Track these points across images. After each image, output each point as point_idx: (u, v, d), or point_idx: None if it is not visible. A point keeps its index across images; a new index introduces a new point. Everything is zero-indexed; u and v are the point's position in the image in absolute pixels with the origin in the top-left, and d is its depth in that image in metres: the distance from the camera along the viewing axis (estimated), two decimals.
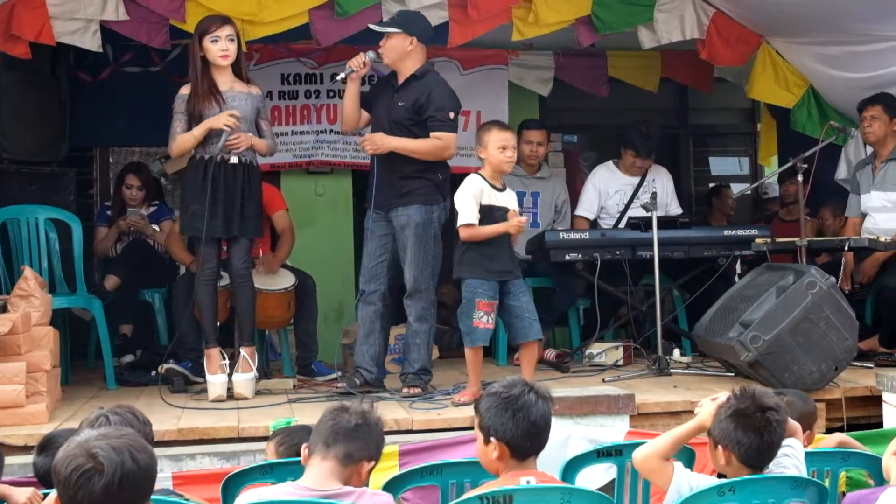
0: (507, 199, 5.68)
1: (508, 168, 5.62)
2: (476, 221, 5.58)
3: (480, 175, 5.65)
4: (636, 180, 7.53)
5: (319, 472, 3.13)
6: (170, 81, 7.09)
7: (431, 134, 5.83)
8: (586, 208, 7.60)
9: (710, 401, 3.51)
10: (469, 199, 5.58)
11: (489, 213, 5.59)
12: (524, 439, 3.26)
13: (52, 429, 4.82)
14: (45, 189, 7.27)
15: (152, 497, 2.67)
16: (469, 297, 5.58)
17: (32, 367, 5.20)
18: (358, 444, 3.17)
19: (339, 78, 5.94)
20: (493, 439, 3.27)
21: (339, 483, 3.13)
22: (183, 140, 5.85)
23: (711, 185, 9.74)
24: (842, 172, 7.67)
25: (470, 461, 3.81)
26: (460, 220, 5.60)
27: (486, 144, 5.62)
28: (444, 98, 5.91)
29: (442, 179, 5.95)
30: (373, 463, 3.25)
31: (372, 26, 5.98)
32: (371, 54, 5.90)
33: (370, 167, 6.06)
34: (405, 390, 5.81)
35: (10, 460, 4.59)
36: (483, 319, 5.54)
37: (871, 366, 6.14)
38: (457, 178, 5.90)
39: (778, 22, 7.30)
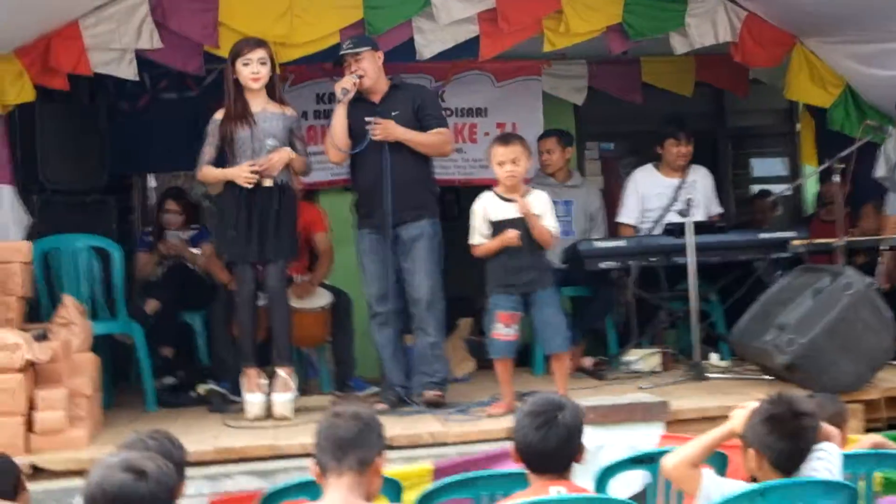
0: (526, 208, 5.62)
1: (509, 182, 5.59)
2: (480, 241, 5.66)
3: (493, 191, 5.68)
4: (676, 182, 7.48)
5: (339, 490, 3.10)
6: (207, 106, 7.18)
7: (434, 130, 5.99)
8: (628, 215, 7.56)
9: (742, 408, 3.52)
10: (475, 219, 5.68)
11: (499, 228, 5.60)
12: (529, 456, 3.35)
13: (92, 453, 4.91)
14: (87, 217, 7.36)
15: None
16: (491, 310, 5.64)
17: (73, 393, 5.27)
18: (366, 448, 3.14)
19: (342, 99, 5.96)
20: (513, 449, 3.39)
21: (361, 496, 3.13)
22: (209, 173, 6.00)
23: (754, 186, 9.68)
24: (881, 170, 7.57)
25: (504, 473, 3.83)
26: (470, 240, 5.69)
27: (491, 161, 5.68)
28: (435, 98, 6.37)
29: (439, 194, 6.21)
30: (385, 453, 3.23)
31: (344, 52, 6.04)
32: (356, 77, 5.95)
33: (368, 184, 6.05)
34: (429, 394, 5.85)
35: (50, 485, 4.71)
36: (502, 331, 5.57)
37: None
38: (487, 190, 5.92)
39: (810, 22, 7.25)
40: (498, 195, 5.65)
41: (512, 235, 5.54)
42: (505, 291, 5.61)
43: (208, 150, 5.97)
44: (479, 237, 5.67)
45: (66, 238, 6.63)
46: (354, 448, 3.11)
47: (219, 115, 5.98)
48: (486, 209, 5.65)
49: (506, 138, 5.79)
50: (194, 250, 7.48)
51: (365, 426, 3.15)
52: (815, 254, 6.63)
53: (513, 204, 5.62)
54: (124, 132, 8.30)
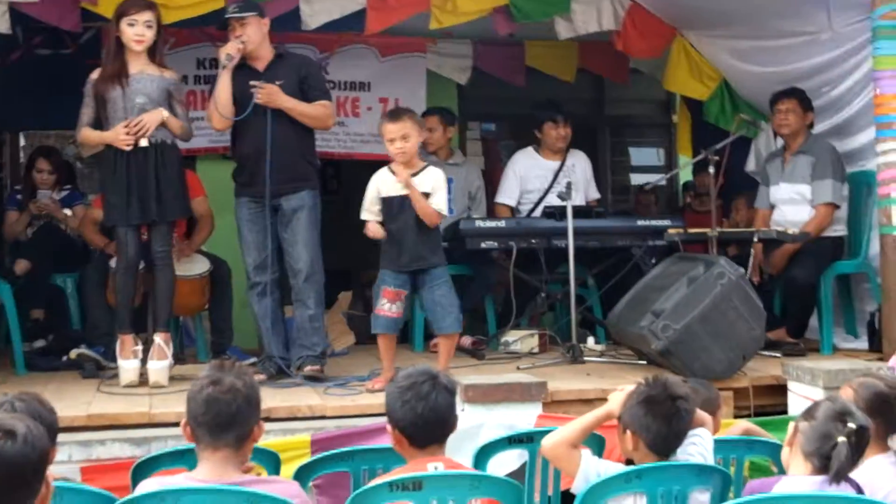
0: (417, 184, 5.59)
1: (401, 158, 5.56)
2: (367, 217, 5.64)
3: (389, 167, 5.65)
4: (556, 165, 7.58)
5: (213, 463, 3.06)
6: (83, 64, 6.98)
7: (318, 103, 5.94)
8: (507, 195, 7.63)
9: (619, 391, 3.59)
10: (367, 195, 5.67)
11: (387, 204, 5.60)
12: (415, 429, 3.31)
13: None
14: None
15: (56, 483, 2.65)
16: (377, 285, 5.64)
17: None
18: (243, 424, 3.09)
19: (226, 65, 5.85)
20: (389, 426, 3.36)
21: (236, 468, 3.09)
22: (87, 135, 5.85)
23: (633, 175, 9.85)
24: (751, 164, 7.81)
25: (383, 448, 3.82)
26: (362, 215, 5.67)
27: (383, 138, 5.65)
28: (320, 70, 6.33)
29: (320, 167, 6.20)
30: (261, 422, 3.20)
31: (230, 15, 5.93)
32: (240, 42, 5.87)
33: (249, 153, 5.97)
34: (308, 369, 5.81)
35: None
36: (385, 307, 5.58)
37: (779, 355, 6.27)
38: (367, 165, 5.90)
39: (692, 16, 7.43)
40: (392, 171, 5.63)
41: (375, 230, 5.60)
42: (392, 268, 5.60)
43: (86, 112, 5.82)
44: (367, 213, 5.65)
45: None
46: (233, 426, 3.06)
47: (95, 74, 5.84)
48: (378, 186, 5.62)
49: (395, 114, 5.71)
50: (66, 211, 7.31)
51: (244, 401, 3.08)
52: (689, 243, 6.78)
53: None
54: None
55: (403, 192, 5.56)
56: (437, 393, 3.32)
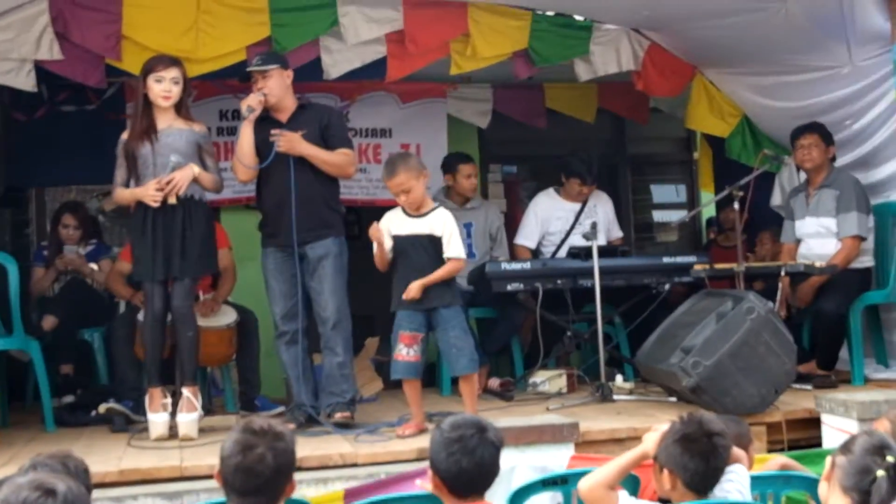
0: (423, 226, 5.58)
1: (409, 209, 5.58)
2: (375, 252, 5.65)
3: (401, 207, 5.65)
4: (577, 206, 7.60)
5: None
6: (106, 120, 7.04)
7: (339, 150, 5.94)
8: (527, 236, 7.65)
9: (654, 431, 3.57)
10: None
11: (399, 242, 5.59)
12: (458, 481, 3.28)
13: None
14: None
15: None
16: (395, 330, 5.60)
17: None
18: (272, 490, 3.07)
19: (247, 116, 5.86)
20: (431, 472, 3.34)
21: None
22: (121, 195, 5.86)
23: (654, 212, 9.84)
24: (776, 199, 7.78)
25: (420, 495, 3.80)
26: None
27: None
28: (341, 118, 6.35)
29: (345, 214, 6.19)
30: (293, 481, 3.16)
31: (252, 68, 5.97)
32: (262, 94, 5.90)
33: (273, 202, 5.97)
34: (339, 416, 5.76)
35: None
36: (403, 352, 5.53)
37: (810, 388, 6.25)
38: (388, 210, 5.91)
39: (711, 54, 7.43)
40: (404, 211, 5.63)
41: (374, 231, 5.58)
42: (408, 308, 5.55)
43: (119, 173, 5.83)
44: (375, 249, 5.66)
45: None
46: (261, 492, 3.04)
47: (125, 135, 5.86)
48: (388, 226, 5.62)
49: (390, 170, 5.62)
50: (93, 266, 7.33)
51: (274, 471, 3.04)
52: (715, 279, 6.75)
53: (414, 220, 5.58)
54: (21, 144, 8.08)
55: (413, 231, 5.56)
56: (483, 448, 3.30)
